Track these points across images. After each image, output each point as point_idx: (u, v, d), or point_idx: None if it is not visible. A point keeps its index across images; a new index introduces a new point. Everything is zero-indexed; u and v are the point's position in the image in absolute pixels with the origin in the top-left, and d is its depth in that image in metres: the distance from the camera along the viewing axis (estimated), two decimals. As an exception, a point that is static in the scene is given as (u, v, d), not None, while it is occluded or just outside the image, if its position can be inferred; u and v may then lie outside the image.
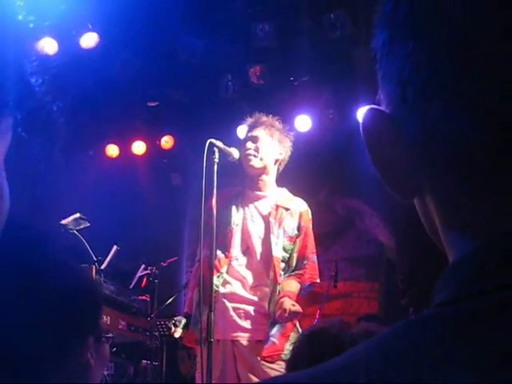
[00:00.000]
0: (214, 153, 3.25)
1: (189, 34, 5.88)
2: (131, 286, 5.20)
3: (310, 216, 3.57)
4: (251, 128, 3.58)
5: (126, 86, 6.21)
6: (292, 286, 3.41)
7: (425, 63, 0.47)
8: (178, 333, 3.45)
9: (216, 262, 3.30)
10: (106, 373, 4.61)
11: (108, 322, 4.47)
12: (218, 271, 3.32)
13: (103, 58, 5.91)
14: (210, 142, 3.24)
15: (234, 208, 3.50)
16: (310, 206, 3.65)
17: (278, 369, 3.24)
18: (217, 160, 3.26)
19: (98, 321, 1.18)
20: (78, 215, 4.40)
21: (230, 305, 3.33)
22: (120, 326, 4.69)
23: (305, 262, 3.49)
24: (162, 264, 5.36)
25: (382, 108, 0.53)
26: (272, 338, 3.28)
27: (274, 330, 3.30)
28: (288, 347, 3.26)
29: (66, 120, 6.26)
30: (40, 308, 1.06)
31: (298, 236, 3.48)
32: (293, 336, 3.31)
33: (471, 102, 0.44)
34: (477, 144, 0.44)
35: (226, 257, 3.39)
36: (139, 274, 5.30)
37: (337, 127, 6.13)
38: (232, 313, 3.32)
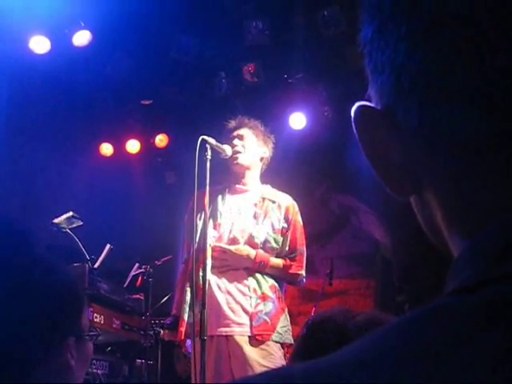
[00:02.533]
0: (206, 150, 3.25)
1: (182, 32, 5.87)
2: (125, 285, 5.18)
3: (297, 209, 3.61)
4: (236, 128, 3.64)
5: (120, 84, 6.20)
6: (276, 260, 3.49)
7: (420, 44, 0.44)
8: (168, 336, 3.48)
9: (201, 256, 3.30)
10: (100, 372, 4.59)
11: (102, 321, 4.44)
12: (203, 264, 3.31)
13: (96, 57, 5.90)
14: (203, 139, 3.24)
15: (219, 201, 3.54)
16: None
17: (268, 350, 3.26)
18: (209, 157, 3.27)
19: (78, 320, 1.16)
20: (70, 214, 4.37)
21: (219, 299, 3.32)
22: (114, 325, 4.67)
23: (294, 254, 3.53)
24: (157, 263, 5.34)
25: (373, 104, 0.50)
26: (264, 316, 3.29)
27: (268, 309, 3.31)
28: (279, 330, 3.29)
29: (60, 119, 6.24)
30: (17, 307, 1.04)
31: (287, 229, 3.52)
32: (282, 320, 3.34)
33: (477, 86, 0.42)
34: (485, 133, 0.42)
35: (213, 250, 3.40)
36: (133, 272, 5.28)
37: (332, 125, 6.12)
38: (222, 307, 3.31)
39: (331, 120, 6.20)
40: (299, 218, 3.59)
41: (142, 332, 5.04)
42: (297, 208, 3.60)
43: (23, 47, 5.56)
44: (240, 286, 3.36)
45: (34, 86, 5.93)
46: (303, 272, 3.55)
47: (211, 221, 3.44)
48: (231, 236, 3.45)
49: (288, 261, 3.50)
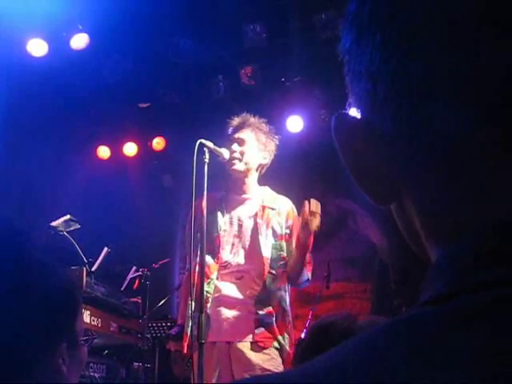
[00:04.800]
0: (204, 153, 3.24)
1: (180, 34, 5.87)
2: (122, 288, 5.18)
3: (296, 212, 3.55)
4: (238, 129, 3.52)
5: (117, 87, 6.20)
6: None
7: (395, 53, 0.44)
8: (174, 346, 3.45)
9: (206, 269, 3.27)
10: (97, 375, 4.58)
11: (99, 325, 4.44)
12: (208, 278, 3.29)
13: (94, 59, 5.90)
14: (200, 143, 3.22)
15: (219, 213, 3.47)
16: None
17: (270, 354, 3.25)
18: (207, 160, 3.25)
19: (72, 326, 1.14)
20: (68, 217, 4.37)
21: (223, 308, 3.31)
22: (111, 329, 4.67)
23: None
24: (154, 266, 5.34)
25: (353, 112, 0.51)
26: (265, 326, 3.28)
27: (270, 320, 3.30)
28: (280, 339, 3.29)
29: (57, 122, 6.24)
30: (10, 310, 1.03)
31: (290, 235, 3.47)
32: (285, 333, 3.32)
33: (449, 93, 0.42)
34: (461, 142, 0.42)
35: (216, 263, 3.38)
36: (130, 275, 5.28)
37: (328, 127, 6.08)
38: (226, 316, 3.30)
39: (328, 123, 6.19)
40: (298, 223, 3.52)
41: (139, 335, 5.04)
42: (295, 211, 3.55)
43: (21, 50, 5.56)
44: (244, 296, 3.35)
45: (32, 89, 5.93)
46: (310, 275, 3.52)
47: (212, 235, 3.38)
48: (234, 249, 3.41)
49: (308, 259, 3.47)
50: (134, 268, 5.31)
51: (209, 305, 3.26)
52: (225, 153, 3.39)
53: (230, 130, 3.54)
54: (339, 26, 5.50)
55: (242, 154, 3.46)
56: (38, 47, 5.63)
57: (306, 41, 5.77)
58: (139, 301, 5.11)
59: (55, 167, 6.36)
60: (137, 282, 5.30)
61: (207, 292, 3.26)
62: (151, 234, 6.66)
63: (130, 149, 7.19)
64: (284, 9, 5.67)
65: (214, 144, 3.35)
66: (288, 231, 3.48)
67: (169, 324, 5.24)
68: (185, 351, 3.33)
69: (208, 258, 3.33)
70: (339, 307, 6.46)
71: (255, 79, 6.13)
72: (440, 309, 0.38)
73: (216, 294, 3.32)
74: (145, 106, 6.71)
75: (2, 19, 5.10)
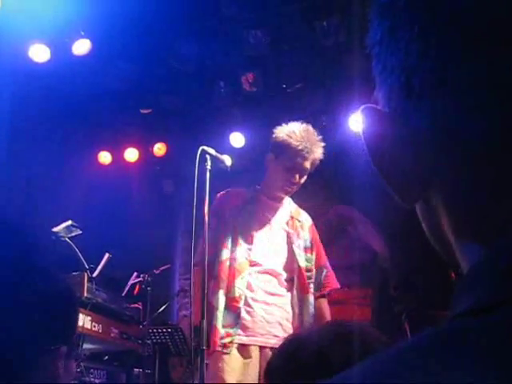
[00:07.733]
0: (206, 160, 3.25)
1: (182, 41, 5.88)
2: (123, 294, 5.18)
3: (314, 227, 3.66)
4: (306, 155, 3.36)
5: (119, 93, 6.20)
6: (327, 310, 3.53)
7: (434, 46, 0.43)
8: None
9: (236, 266, 3.31)
10: (98, 381, 4.58)
11: (100, 330, 4.44)
12: (239, 273, 3.31)
13: (96, 65, 5.90)
14: (203, 150, 3.23)
15: (252, 212, 3.48)
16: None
17: None
18: (209, 167, 3.25)
19: (73, 331, 1.15)
20: (69, 222, 4.37)
21: (258, 310, 3.31)
22: (112, 334, 4.66)
23: (324, 271, 3.54)
24: (155, 271, 5.34)
25: (380, 107, 0.49)
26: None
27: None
28: None
29: (59, 127, 6.24)
30: (15, 311, 1.04)
31: (311, 249, 3.53)
32: None
33: (492, 93, 0.40)
34: (502, 137, 0.40)
35: (247, 260, 3.37)
36: (131, 281, 5.28)
37: (329, 134, 6.12)
38: (260, 318, 3.30)
39: (329, 130, 6.21)
40: (317, 237, 3.63)
41: (139, 341, 5.04)
42: (314, 227, 3.65)
43: (23, 55, 5.57)
44: (273, 297, 3.36)
45: (34, 94, 5.94)
46: (338, 285, 3.62)
47: (244, 232, 3.40)
48: (264, 251, 3.41)
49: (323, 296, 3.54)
50: (135, 274, 5.31)
51: (241, 302, 3.26)
52: (226, 160, 3.41)
53: (295, 151, 3.35)
54: (341, 33, 5.52)
55: (298, 185, 3.44)
56: (40, 53, 5.63)
57: (308, 47, 5.78)
58: (140, 307, 5.11)
59: (56, 172, 6.36)
60: (137, 287, 5.30)
61: (239, 288, 3.27)
62: (152, 240, 6.65)
63: (131, 154, 7.19)
64: (286, 15, 5.68)
65: (216, 151, 3.36)
66: (310, 245, 3.54)
67: (169, 330, 5.24)
68: (216, 347, 3.20)
69: (239, 256, 3.34)
70: (340, 313, 6.45)
71: (256, 85, 6.13)
72: (486, 320, 0.36)
73: (251, 295, 3.32)
74: (146, 111, 6.71)
75: (4, 24, 5.11)
